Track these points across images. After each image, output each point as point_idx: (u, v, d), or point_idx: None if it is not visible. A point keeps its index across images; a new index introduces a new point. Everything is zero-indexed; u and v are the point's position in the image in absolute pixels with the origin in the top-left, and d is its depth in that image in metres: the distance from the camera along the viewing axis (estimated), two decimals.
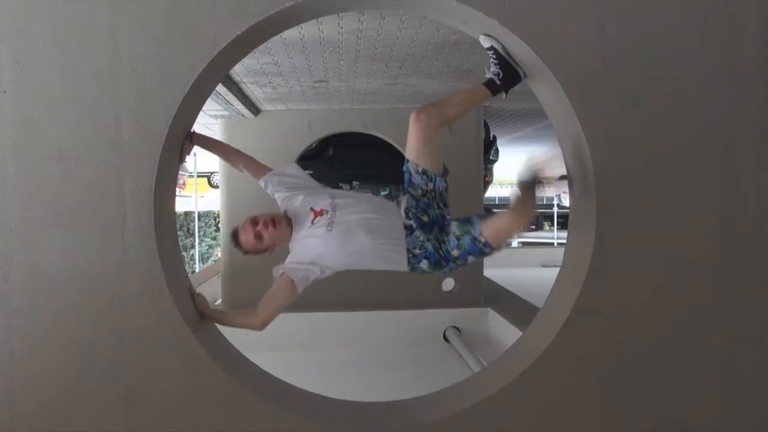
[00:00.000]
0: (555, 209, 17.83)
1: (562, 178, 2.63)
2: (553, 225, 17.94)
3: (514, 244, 17.16)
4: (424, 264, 2.39)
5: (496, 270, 8.57)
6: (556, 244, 14.80)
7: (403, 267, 2.41)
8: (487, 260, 7.41)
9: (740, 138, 2.41)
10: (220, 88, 5.06)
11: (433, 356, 6.16)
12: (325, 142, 8.27)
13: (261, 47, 2.63)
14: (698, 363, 2.45)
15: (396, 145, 6.66)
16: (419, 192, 2.40)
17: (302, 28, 3.71)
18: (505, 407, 2.42)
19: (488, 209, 2.34)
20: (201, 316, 2.45)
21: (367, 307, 6.53)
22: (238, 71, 4.95)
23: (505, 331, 6.00)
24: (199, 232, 14.83)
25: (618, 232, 2.40)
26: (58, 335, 2.29)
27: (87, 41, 2.25)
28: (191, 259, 14.60)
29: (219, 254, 13.09)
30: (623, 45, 2.35)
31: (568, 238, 2.83)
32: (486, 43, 2.45)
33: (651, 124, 2.39)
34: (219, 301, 7.38)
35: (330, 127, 6.96)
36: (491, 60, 2.45)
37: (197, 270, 12.13)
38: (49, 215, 2.28)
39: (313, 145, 7.68)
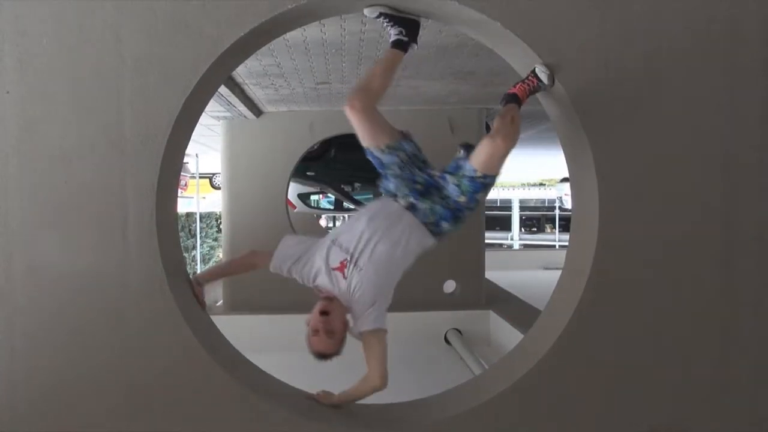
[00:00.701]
0: (557, 212, 17.83)
1: (565, 180, 2.62)
2: (554, 228, 17.93)
3: (516, 246, 17.19)
4: (445, 226, 2.37)
5: (497, 272, 8.56)
6: (557, 247, 14.79)
7: (431, 241, 2.40)
8: (488, 263, 7.44)
9: (742, 141, 2.41)
10: (223, 89, 5.07)
11: (434, 358, 6.15)
12: (327, 144, 8.27)
13: (263, 49, 2.63)
14: (699, 365, 2.44)
15: None
16: (396, 168, 2.36)
17: (305, 30, 3.71)
18: (507, 410, 2.42)
19: (468, 144, 2.31)
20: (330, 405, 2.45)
21: None
22: (240, 72, 4.96)
23: (507, 334, 6.00)
24: (200, 233, 14.84)
25: (620, 235, 2.40)
26: (59, 334, 2.29)
27: (90, 41, 2.25)
28: (193, 260, 14.60)
29: (220, 255, 13.10)
30: (625, 48, 2.35)
31: (570, 241, 2.83)
32: (372, 13, 2.41)
33: (653, 127, 2.38)
34: (220, 302, 7.38)
35: (332, 128, 6.96)
36: (386, 25, 2.43)
37: (199, 271, 12.13)
38: (50, 215, 2.28)
39: (315, 147, 7.68)
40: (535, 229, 19.81)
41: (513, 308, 6.68)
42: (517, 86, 2.39)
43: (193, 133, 2.65)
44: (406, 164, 2.36)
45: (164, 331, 2.31)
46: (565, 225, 16.68)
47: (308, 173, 8.96)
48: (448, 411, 2.46)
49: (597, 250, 2.38)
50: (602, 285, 2.41)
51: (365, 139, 2.36)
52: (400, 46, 2.42)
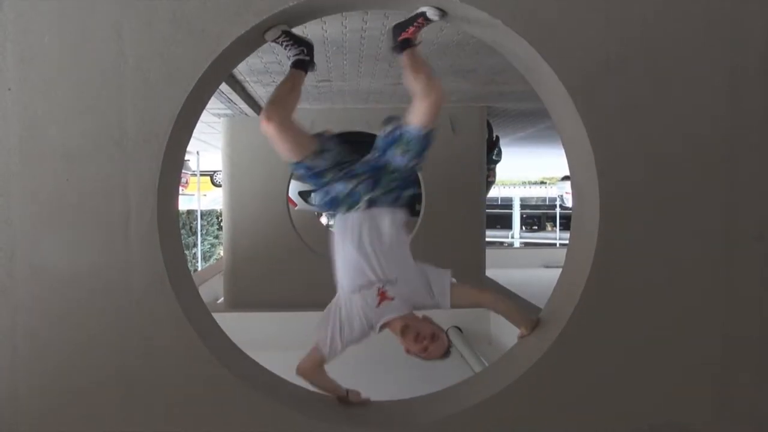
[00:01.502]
0: (558, 210, 17.82)
1: (566, 178, 2.63)
2: (555, 226, 17.92)
3: (517, 244, 17.18)
4: (407, 193, 2.46)
5: (498, 270, 8.55)
6: (558, 245, 14.78)
7: (403, 213, 2.47)
8: (489, 260, 7.43)
9: (743, 140, 2.41)
10: (224, 86, 5.07)
11: None
12: None
13: (265, 46, 2.63)
14: (700, 364, 2.44)
15: None
16: (334, 169, 2.38)
17: (306, 28, 3.71)
18: (507, 408, 2.42)
19: (390, 117, 2.34)
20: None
21: None
22: (241, 70, 4.96)
23: (507, 332, 5.97)
24: (201, 230, 14.85)
25: (620, 233, 2.40)
26: (62, 333, 2.30)
27: (92, 39, 2.25)
28: (193, 258, 14.62)
29: (221, 253, 13.11)
30: (626, 47, 2.35)
31: (570, 239, 2.83)
32: (274, 34, 2.41)
33: (654, 126, 2.38)
34: (221, 300, 7.39)
35: (333, 126, 6.92)
36: (286, 45, 2.45)
37: (199, 268, 12.15)
38: (53, 213, 2.28)
39: None
40: (535, 227, 19.80)
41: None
42: (410, 30, 2.41)
43: (194, 131, 2.65)
44: (340, 161, 2.40)
45: (166, 330, 2.31)
46: (566, 223, 16.67)
47: None
48: (449, 408, 2.47)
49: (597, 248, 2.39)
50: (603, 283, 2.41)
51: (293, 153, 2.39)
52: (302, 65, 2.48)
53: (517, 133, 9.37)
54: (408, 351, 2.37)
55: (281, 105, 2.39)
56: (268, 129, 2.33)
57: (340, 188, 2.38)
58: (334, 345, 2.40)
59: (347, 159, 2.42)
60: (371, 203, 2.37)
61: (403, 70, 2.44)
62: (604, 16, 2.34)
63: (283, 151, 2.40)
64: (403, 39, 2.42)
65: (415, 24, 2.39)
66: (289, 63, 2.49)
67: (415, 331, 2.33)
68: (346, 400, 2.48)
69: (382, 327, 2.38)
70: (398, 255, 2.40)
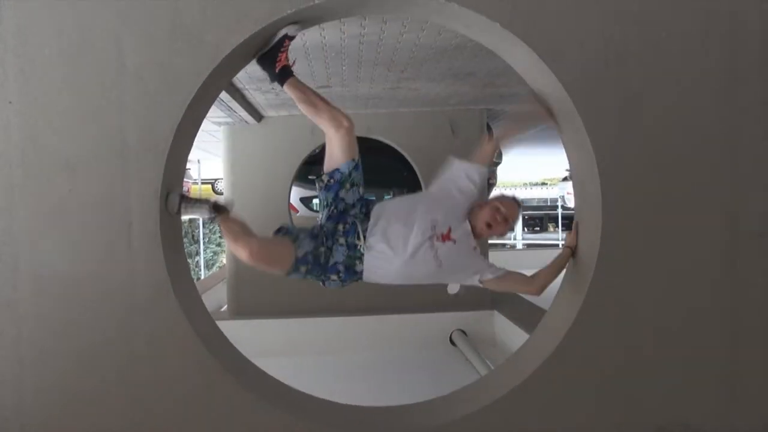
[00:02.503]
0: (560, 211, 17.80)
1: (566, 179, 2.63)
2: (557, 226, 17.90)
3: (519, 245, 17.16)
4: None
5: None
6: (560, 246, 14.74)
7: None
8: (492, 261, 7.43)
9: (745, 136, 2.41)
10: (223, 94, 5.08)
11: (440, 360, 6.14)
12: None
13: None
14: (705, 363, 2.44)
15: (399, 149, 6.67)
16: (319, 249, 2.36)
17: (304, 34, 3.72)
18: (514, 410, 2.41)
19: (318, 176, 2.40)
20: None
21: (373, 312, 6.52)
22: (240, 78, 4.97)
23: (512, 334, 5.99)
24: (203, 238, 14.86)
25: (623, 232, 2.40)
26: (66, 344, 2.30)
27: (91, 50, 2.26)
28: (196, 266, 14.62)
29: (224, 261, 13.11)
30: (625, 45, 2.36)
31: None
32: (172, 204, 2.36)
33: (654, 124, 2.39)
34: (225, 307, 7.38)
35: None
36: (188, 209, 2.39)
37: (202, 277, 12.15)
38: (55, 224, 2.29)
39: (317, 151, 7.69)
40: (537, 228, 19.78)
41: (518, 308, 6.66)
42: (282, 57, 2.38)
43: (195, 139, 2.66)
44: (316, 241, 2.38)
45: (170, 338, 2.32)
46: (568, 224, 16.65)
47: (310, 177, 8.97)
48: (455, 412, 2.46)
49: (600, 248, 2.38)
50: (606, 283, 2.40)
51: (285, 264, 2.33)
52: (219, 210, 2.39)
53: (517, 135, 9.36)
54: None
55: (245, 234, 2.29)
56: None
57: (340, 255, 2.38)
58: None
59: (317, 236, 2.38)
60: (368, 219, 2.41)
61: (297, 104, 2.44)
62: (601, 15, 2.35)
63: (277, 268, 2.34)
64: (281, 68, 2.40)
65: (283, 48, 2.38)
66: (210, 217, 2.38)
67: (486, 219, 2.43)
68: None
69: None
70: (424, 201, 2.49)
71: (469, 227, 2.45)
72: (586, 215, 2.56)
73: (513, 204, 2.54)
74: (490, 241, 8.45)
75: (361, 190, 2.46)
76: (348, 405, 2.64)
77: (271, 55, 2.39)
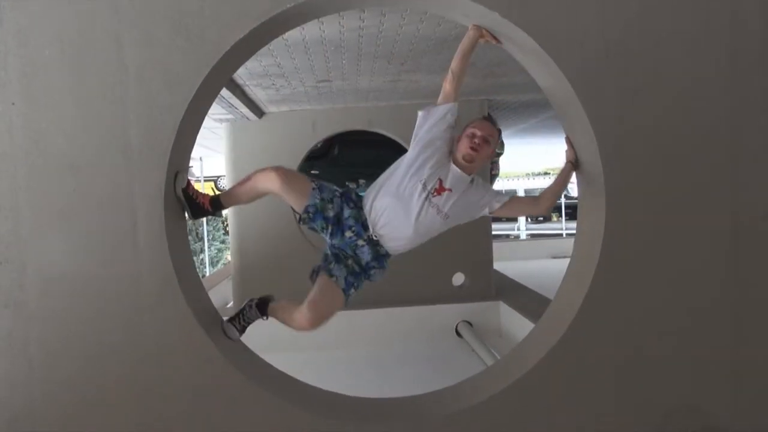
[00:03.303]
0: (563, 200, 17.76)
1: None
2: (561, 216, 17.87)
3: (523, 236, 17.15)
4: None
5: (505, 263, 8.55)
6: (564, 235, 14.75)
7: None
8: (496, 253, 7.43)
9: (747, 125, 2.40)
10: (224, 91, 5.07)
11: (446, 351, 6.16)
12: (330, 142, 8.27)
13: (263, 49, 2.64)
14: (712, 350, 2.44)
15: (401, 142, 6.66)
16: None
17: (303, 29, 3.71)
18: (521, 399, 2.42)
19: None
20: None
21: (379, 305, 6.54)
22: (241, 74, 4.97)
23: (517, 324, 5.99)
24: (207, 236, 14.90)
25: (627, 222, 2.40)
26: (74, 342, 2.32)
27: (92, 50, 2.26)
28: (201, 263, 14.66)
29: (228, 257, 13.15)
30: (625, 34, 2.35)
31: (577, 229, 2.83)
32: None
33: (656, 111, 2.38)
34: (230, 304, 7.41)
35: (334, 126, 6.96)
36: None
37: (207, 274, 12.19)
38: (61, 224, 2.30)
39: (319, 145, 7.69)
40: (541, 218, 19.74)
41: (523, 298, 6.67)
42: (197, 196, 2.46)
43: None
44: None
45: (178, 334, 2.33)
46: (572, 213, 16.62)
47: (313, 172, 8.98)
48: (462, 402, 2.47)
49: (605, 237, 2.38)
50: (611, 272, 2.41)
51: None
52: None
53: (519, 125, 9.34)
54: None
55: (291, 306, 2.44)
56: (317, 321, 2.39)
57: (366, 254, 2.46)
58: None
59: (338, 255, 2.47)
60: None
61: (244, 202, 2.62)
62: (601, 4, 2.34)
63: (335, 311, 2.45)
64: (209, 202, 2.49)
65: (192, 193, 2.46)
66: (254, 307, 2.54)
67: (466, 149, 2.43)
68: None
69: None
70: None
71: (457, 168, 2.44)
72: (591, 204, 2.56)
73: (484, 122, 2.53)
74: (493, 232, 8.45)
75: (336, 200, 2.46)
76: (355, 397, 2.65)
77: (193, 207, 2.46)
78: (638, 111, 2.37)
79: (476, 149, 2.42)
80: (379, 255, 2.47)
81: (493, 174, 8.45)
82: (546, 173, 25.12)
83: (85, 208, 2.29)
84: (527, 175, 25.62)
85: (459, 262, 6.79)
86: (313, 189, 2.44)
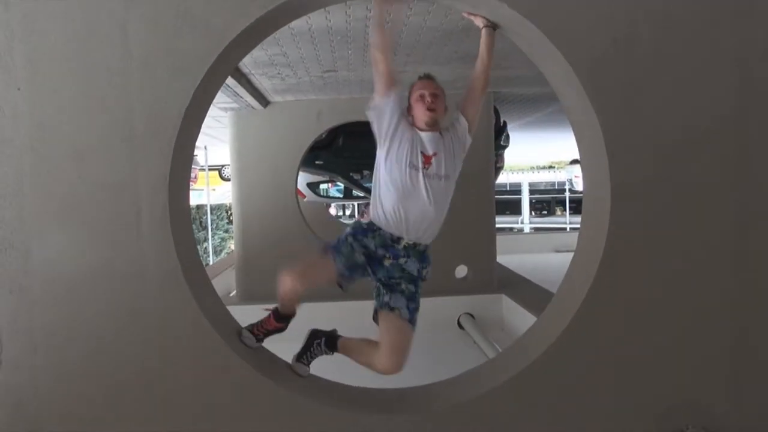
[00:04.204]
0: (567, 194, 17.73)
1: (574, 162, 2.62)
2: (565, 210, 17.84)
3: (526, 229, 17.14)
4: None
5: (509, 256, 8.55)
6: (568, 229, 14.73)
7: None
8: (499, 247, 7.43)
9: (755, 118, 2.38)
10: (229, 80, 5.06)
11: (448, 343, 6.17)
12: (335, 132, 8.26)
13: (269, 38, 2.63)
14: (714, 345, 2.44)
15: None
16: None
17: (310, 18, 3.69)
18: (521, 392, 2.43)
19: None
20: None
21: None
22: (246, 63, 4.95)
23: (520, 317, 6.00)
24: (211, 224, 14.93)
25: (632, 216, 2.39)
26: (78, 329, 2.33)
27: (98, 37, 2.26)
28: (204, 252, 14.71)
29: (232, 246, 13.18)
30: (634, 27, 2.33)
31: (582, 223, 2.82)
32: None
33: (664, 105, 2.36)
34: (233, 293, 7.44)
35: (339, 116, 6.95)
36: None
37: (211, 262, 12.23)
38: (65, 210, 2.31)
39: (323, 135, 7.67)
40: (545, 212, 19.72)
41: (525, 292, 6.67)
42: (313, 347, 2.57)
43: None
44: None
45: (182, 323, 2.34)
46: (576, 207, 16.60)
47: (317, 162, 8.97)
48: (464, 394, 2.48)
49: (609, 231, 2.38)
50: (615, 266, 2.40)
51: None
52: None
53: (525, 118, 9.31)
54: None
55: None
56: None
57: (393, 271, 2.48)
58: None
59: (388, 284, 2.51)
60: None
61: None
62: None
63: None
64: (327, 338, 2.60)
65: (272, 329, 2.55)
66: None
67: (422, 112, 2.44)
68: None
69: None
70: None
71: (427, 133, 2.45)
72: (595, 198, 2.55)
73: (425, 81, 2.53)
74: (497, 225, 8.44)
75: (354, 244, 2.45)
76: (358, 387, 2.66)
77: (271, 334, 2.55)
78: (645, 105, 2.36)
79: (432, 109, 2.44)
80: (423, 255, 2.50)
81: (497, 167, 8.43)
82: (551, 167, 25.05)
83: (90, 195, 2.30)
84: (532, 168, 25.56)
85: (462, 254, 6.79)
86: (333, 257, 2.41)
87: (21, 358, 2.31)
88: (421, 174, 2.40)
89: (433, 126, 2.45)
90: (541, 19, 2.30)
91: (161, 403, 2.35)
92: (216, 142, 10.97)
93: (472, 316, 6.67)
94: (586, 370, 2.43)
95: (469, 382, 2.60)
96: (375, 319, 2.50)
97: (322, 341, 2.56)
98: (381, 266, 2.46)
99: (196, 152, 12.22)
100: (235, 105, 6.54)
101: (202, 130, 2.69)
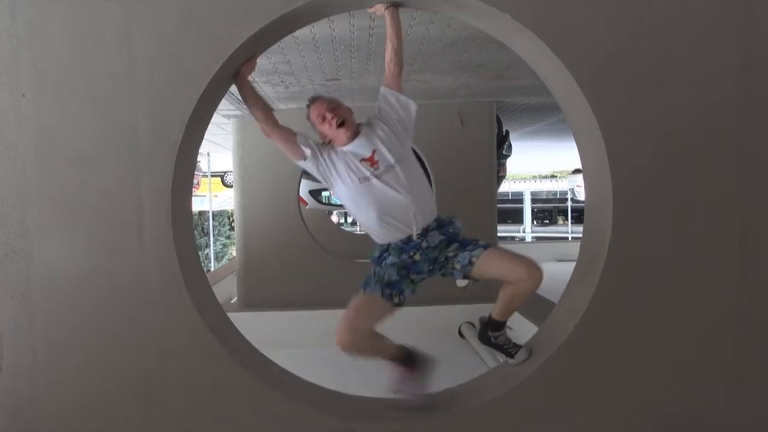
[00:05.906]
0: (569, 203, 17.71)
1: (577, 171, 2.62)
2: (567, 219, 17.82)
3: (528, 238, 17.11)
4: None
5: None
6: (570, 239, 14.71)
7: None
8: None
9: (757, 125, 2.38)
10: (233, 87, 5.08)
11: (449, 352, 6.13)
12: None
13: (273, 47, 2.64)
14: (717, 350, 2.42)
15: None
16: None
17: (313, 27, 3.72)
18: (523, 402, 2.42)
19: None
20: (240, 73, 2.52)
21: None
22: None
23: (521, 327, 5.97)
24: (213, 231, 14.95)
25: (634, 225, 2.39)
26: (79, 335, 2.33)
27: (102, 44, 2.27)
28: (206, 258, 14.72)
29: (233, 253, 13.19)
30: (636, 35, 2.34)
31: (584, 232, 2.82)
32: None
33: (665, 114, 2.37)
34: (235, 299, 7.43)
35: None
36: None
37: (212, 269, 12.23)
38: (68, 217, 2.31)
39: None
40: (547, 221, 19.70)
41: (527, 301, 6.64)
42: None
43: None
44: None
45: (182, 330, 2.34)
46: (578, 217, 16.57)
47: None
48: (464, 404, 2.47)
49: (611, 240, 2.37)
50: (617, 276, 2.40)
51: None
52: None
53: (527, 128, 9.32)
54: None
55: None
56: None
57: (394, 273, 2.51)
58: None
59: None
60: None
61: None
62: (612, 7, 2.33)
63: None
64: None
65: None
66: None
67: (326, 127, 2.59)
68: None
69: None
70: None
71: (351, 144, 2.50)
72: (598, 207, 2.55)
73: (315, 103, 2.64)
74: (499, 235, 8.42)
75: (386, 268, 2.48)
76: (358, 396, 2.65)
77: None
78: (647, 113, 2.36)
79: (341, 122, 2.50)
80: (438, 225, 2.51)
81: (500, 176, 8.44)
82: (553, 176, 25.05)
83: (92, 202, 2.31)
84: (534, 177, 25.55)
85: None
86: (370, 290, 2.43)
87: (21, 363, 2.31)
88: (375, 179, 2.43)
89: (354, 133, 2.50)
90: (544, 30, 2.31)
91: (160, 408, 2.35)
92: (219, 149, 11.00)
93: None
94: (587, 380, 2.42)
95: (470, 392, 2.59)
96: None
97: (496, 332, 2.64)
98: (419, 264, 2.48)
99: (198, 158, 12.26)
100: (238, 112, 6.56)
101: (205, 136, 2.70)
